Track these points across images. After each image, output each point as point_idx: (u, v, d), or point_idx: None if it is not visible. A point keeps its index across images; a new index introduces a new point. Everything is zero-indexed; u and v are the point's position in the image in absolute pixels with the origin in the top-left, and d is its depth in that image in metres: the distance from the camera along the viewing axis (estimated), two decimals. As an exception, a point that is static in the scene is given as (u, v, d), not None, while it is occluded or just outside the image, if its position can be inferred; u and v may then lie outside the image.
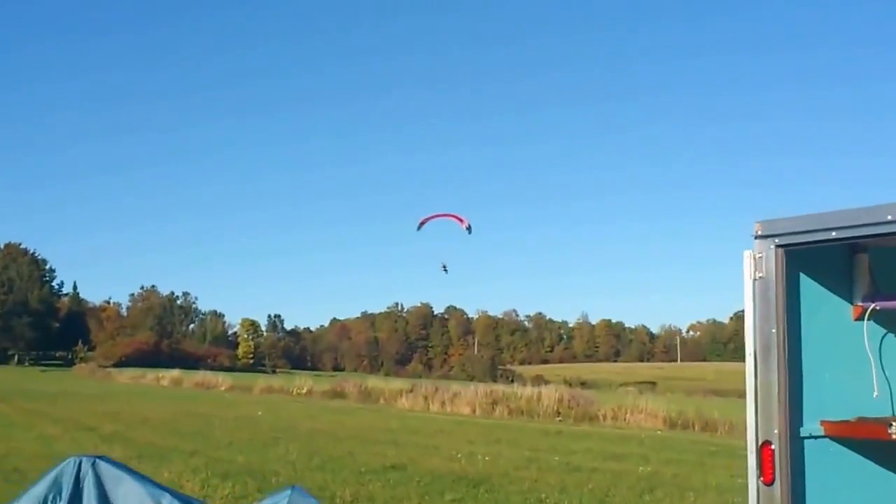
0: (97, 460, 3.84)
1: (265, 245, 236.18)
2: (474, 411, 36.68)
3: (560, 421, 32.80)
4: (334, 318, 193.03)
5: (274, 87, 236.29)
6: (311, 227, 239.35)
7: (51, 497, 3.70)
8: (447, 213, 17.17)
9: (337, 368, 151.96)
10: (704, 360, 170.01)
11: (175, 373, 66.96)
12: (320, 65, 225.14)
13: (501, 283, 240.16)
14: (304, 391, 46.82)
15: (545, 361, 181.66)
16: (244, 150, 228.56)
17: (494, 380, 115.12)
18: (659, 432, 29.21)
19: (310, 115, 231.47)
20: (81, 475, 3.74)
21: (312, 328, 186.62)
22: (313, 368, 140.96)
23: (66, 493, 3.69)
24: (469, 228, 16.90)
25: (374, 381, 48.98)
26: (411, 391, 42.33)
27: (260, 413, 29.43)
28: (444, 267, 17.65)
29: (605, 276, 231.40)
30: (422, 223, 17.29)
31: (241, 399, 42.66)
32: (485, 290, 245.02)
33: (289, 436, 21.50)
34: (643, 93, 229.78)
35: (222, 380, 55.42)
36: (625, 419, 31.96)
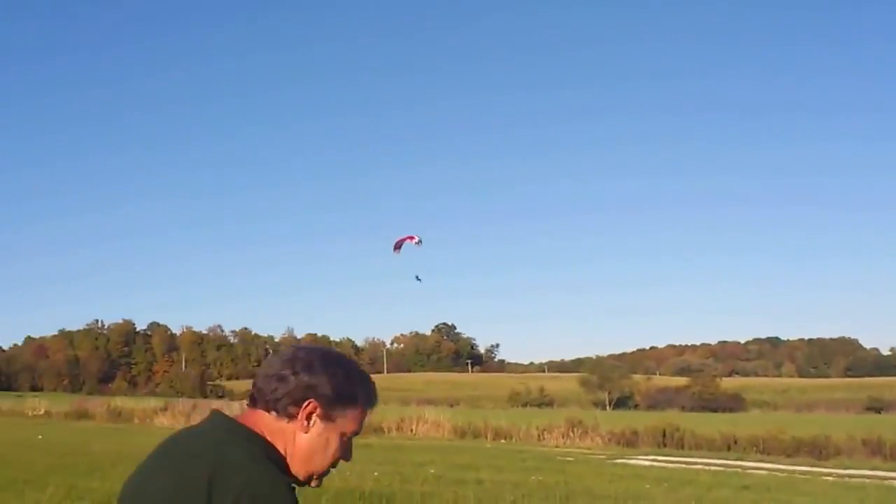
0: None
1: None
2: (243, 426, 37.31)
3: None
4: (29, 337, 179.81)
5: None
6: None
7: None
8: (408, 236, 18.63)
9: (35, 389, 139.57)
10: (409, 370, 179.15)
11: None
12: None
13: (206, 298, 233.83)
14: (41, 412, 43.82)
15: (252, 376, 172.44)
16: None
17: (204, 395, 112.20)
18: (449, 441, 30.53)
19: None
20: None
21: (5, 347, 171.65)
22: (9, 389, 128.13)
23: None
24: (419, 242, 18.40)
25: (122, 401, 47.02)
26: (165, 409, 41.83)
27: (40, 437, 27.73)
28: (418, 277, 19.28)
29: (310, 291, 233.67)
30: (397, 246, 18.41)
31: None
32: (188, 305, 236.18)
33: (100, 461, 20.41)
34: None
35: (-64, 405, 49.54)
36: (412, 430, 32.72)
